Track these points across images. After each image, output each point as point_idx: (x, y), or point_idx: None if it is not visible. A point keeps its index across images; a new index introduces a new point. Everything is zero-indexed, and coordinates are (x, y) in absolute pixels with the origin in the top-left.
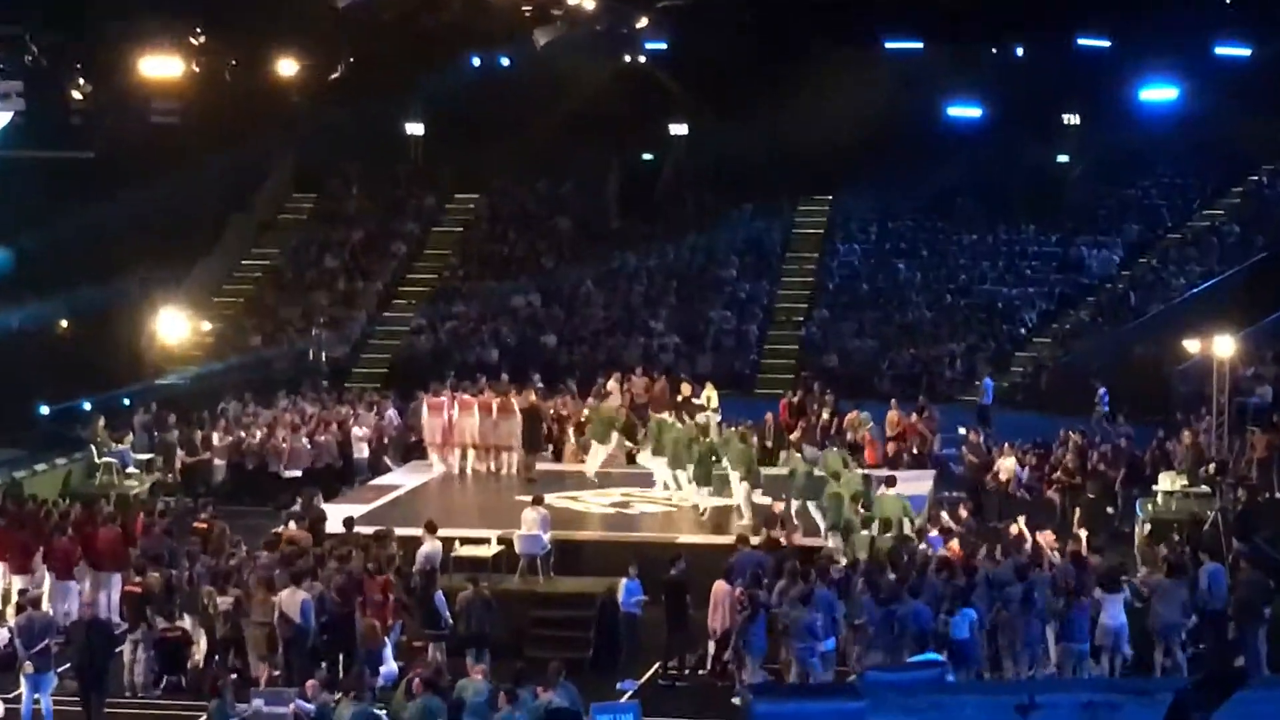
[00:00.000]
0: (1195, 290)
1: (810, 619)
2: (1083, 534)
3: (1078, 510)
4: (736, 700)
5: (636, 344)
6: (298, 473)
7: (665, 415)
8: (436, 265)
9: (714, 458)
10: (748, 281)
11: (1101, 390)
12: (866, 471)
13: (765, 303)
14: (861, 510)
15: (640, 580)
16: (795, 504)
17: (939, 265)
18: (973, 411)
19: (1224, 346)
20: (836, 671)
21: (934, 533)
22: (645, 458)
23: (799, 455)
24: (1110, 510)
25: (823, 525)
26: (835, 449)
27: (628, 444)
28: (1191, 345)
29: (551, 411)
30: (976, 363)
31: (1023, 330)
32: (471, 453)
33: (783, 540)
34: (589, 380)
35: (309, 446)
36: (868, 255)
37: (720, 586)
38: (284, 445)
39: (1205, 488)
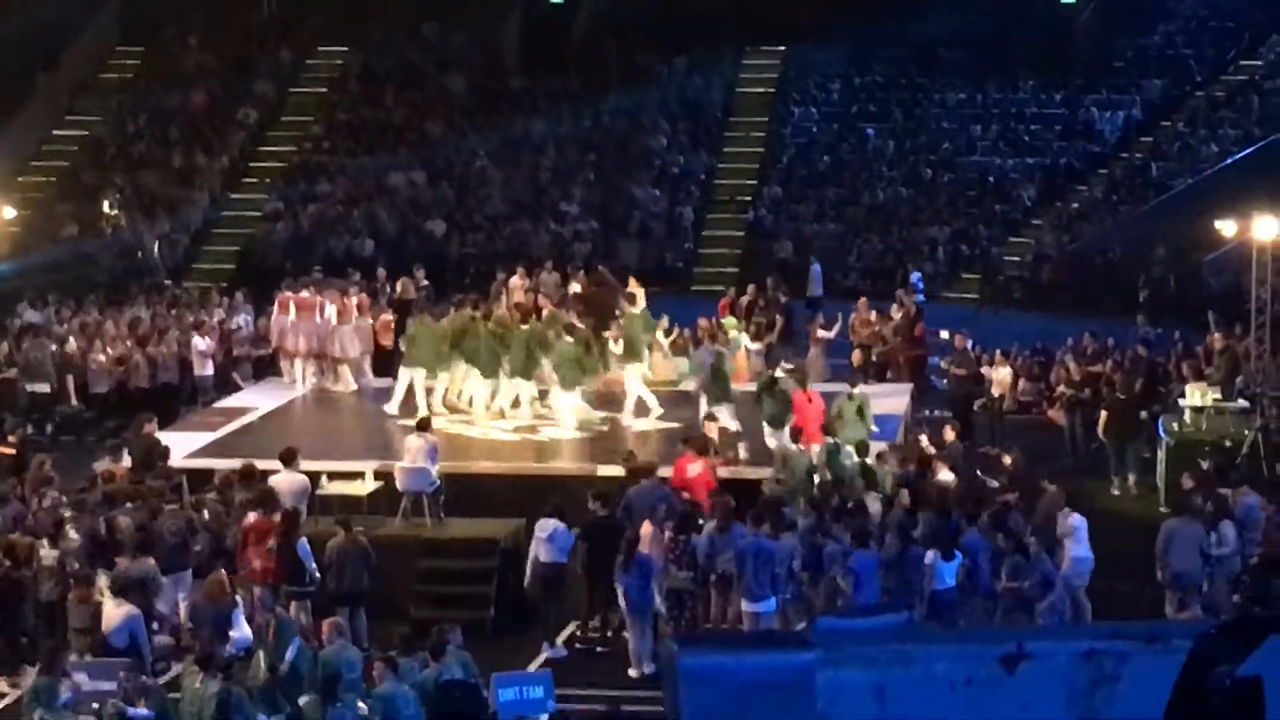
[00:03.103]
0: (1230, 160)
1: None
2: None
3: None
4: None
5: (545, 231)
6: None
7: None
8: (295, 135)
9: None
10: (681, 153)
11: (914, 275)
12: None
13: (703, 179)
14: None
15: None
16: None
17: (917, 131)
18: (955, 310)
19: (1266, 229)
20: None
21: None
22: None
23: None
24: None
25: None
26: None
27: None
28: (1226, 228)
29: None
30: (963, 251)
31: (1020, 211)
32: (311, 366)
33: (719, 470)
34: (485, 276)
35: (140, 361)
36: (828, 119)
37: (646, 530)
38: (103, 360)
39: (1242, 402)
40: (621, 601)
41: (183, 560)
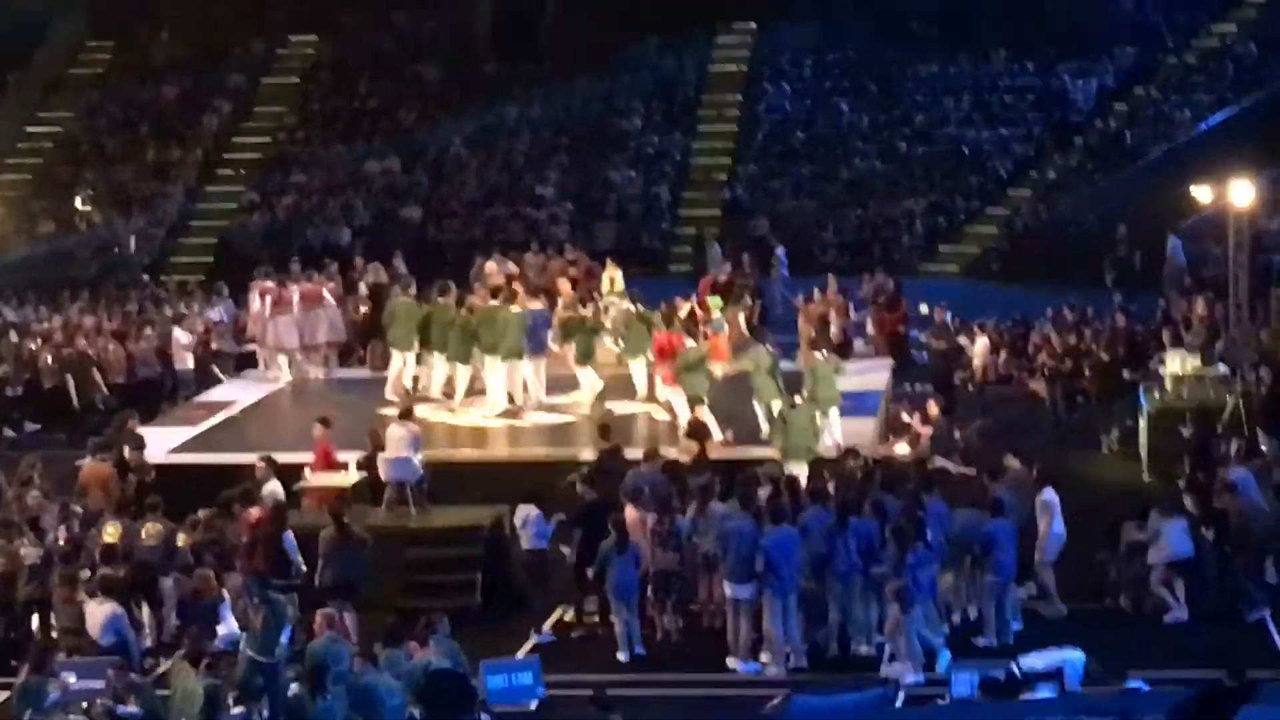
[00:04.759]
0: (1205, 126)
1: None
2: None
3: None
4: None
5: (521, 216)
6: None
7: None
8: (269, 126)
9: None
10: (656, 134)
11: (780, 250)
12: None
13: (678, 159)
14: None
15: (540, 508)
16: (760, 408)
17: (891, 105)
18: (933, 284)
19: (1242, 194)
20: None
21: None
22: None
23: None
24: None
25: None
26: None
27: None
28: (1201, 194)
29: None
30: (940, 224)
31: (996, 182)
32: (284, 358)
33: (702, 453)
34: (463, 262)
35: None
36: (802, 96)
37: (630, 514)
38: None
39: (1222, 368)
40: (611, 585)
41: (162, 568)
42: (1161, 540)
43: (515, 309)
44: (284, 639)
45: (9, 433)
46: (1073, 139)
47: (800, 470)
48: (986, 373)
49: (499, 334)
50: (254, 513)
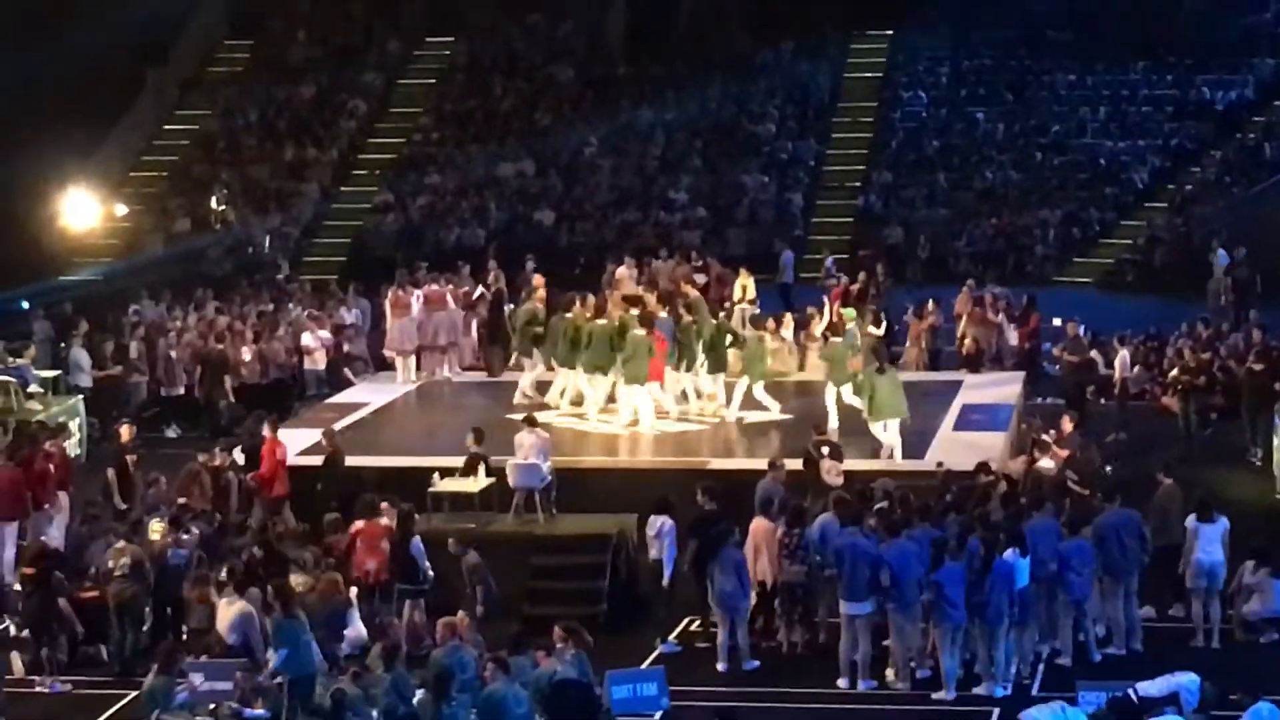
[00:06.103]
0: None
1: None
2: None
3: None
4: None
5: (653, 219)
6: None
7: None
8: (404, 127)
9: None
10: (789, 139)
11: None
12: None
13: (812, 165)
14: None
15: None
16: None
17: (1026, 114)
18: (1067, 295)
19: None
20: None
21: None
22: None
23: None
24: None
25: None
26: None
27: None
28: None
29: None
30: (1074, 235)
31: (1131, 193)
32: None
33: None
34: (595, 265)
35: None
36: (938, 103)
37: (759, 525)
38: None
39: None
40: (714, 595)
41: None
42: (1262, 594)
43: (603, 322)
44: (276, 662)
45: (172, 433)
46: (1210, 151)
47: (892, 427)
48: (1126, 387)
49: (588, 347)
50: (360, 524)
